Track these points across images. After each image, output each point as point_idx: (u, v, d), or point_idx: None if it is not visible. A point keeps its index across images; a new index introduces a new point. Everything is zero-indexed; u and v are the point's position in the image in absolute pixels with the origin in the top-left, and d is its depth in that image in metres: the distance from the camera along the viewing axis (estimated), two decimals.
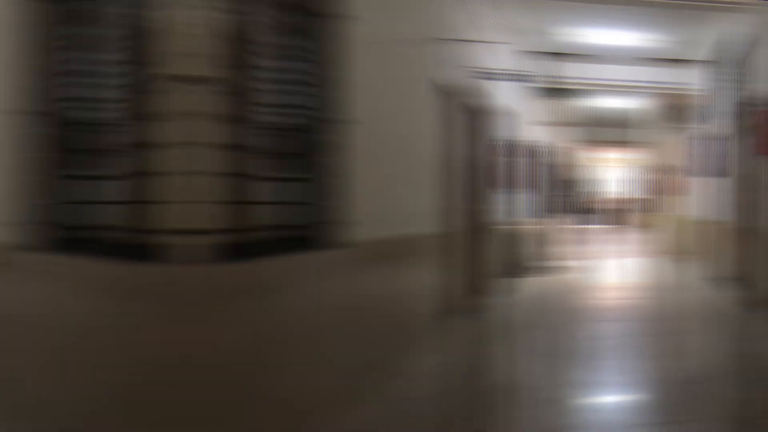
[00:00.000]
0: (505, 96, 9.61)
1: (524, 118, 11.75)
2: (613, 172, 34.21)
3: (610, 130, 21.72)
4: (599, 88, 12.12)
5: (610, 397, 4.26)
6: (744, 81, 7.75)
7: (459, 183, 7.10)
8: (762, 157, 5.65)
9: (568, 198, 23.29)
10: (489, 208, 8.56)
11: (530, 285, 8.98)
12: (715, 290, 8.47)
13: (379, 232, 4.05)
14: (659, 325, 6.51)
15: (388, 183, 4.43)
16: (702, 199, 11.03)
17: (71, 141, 2.95)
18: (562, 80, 12.22)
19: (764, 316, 6.45)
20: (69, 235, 2.96)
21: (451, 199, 6.87)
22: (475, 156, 8.13)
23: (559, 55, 12.00)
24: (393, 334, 4.46)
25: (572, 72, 12.16)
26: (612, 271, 11.56)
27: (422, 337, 5.20)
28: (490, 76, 7.63)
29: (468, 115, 7.60)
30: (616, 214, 30.40)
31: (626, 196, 31.31)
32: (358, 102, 3.61)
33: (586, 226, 28.01)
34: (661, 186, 13.84)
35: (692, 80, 11.56)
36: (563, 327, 6.17)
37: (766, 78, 6.61)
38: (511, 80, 9.52)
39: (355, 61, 3.56)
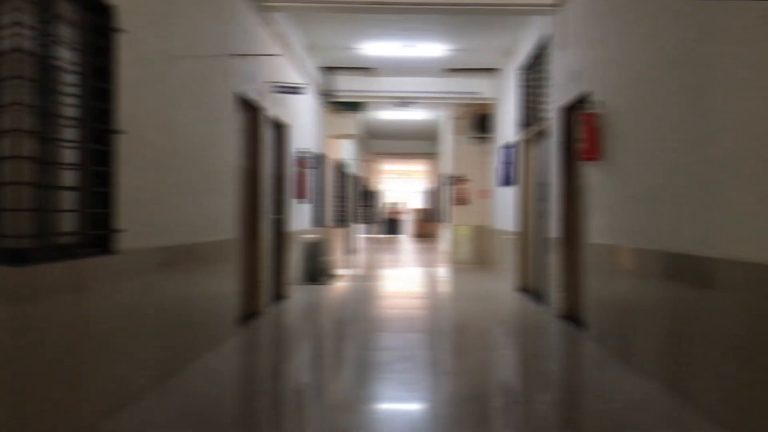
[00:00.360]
0: (303, 110, 9.01)
1: (322, 132, 11.21)
2: (410, 184, 35.34)
3: (407, 143, 22.05)
4: (396, 101, 11.88)
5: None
6: (545, 86, 7.74)
7: (261, 193, 6.93)
8: (585, 163, 5.41)
9: (368, 209, 23.45)
10: (291, 217, 7.97)
11: (330, 292, 8.40)
12: (505, 300, 8.40)
13: (163, 239, 4.16)
14: (441, 337, 6.11)
15: (176, 192, 4.43)
16: (497, 209, 11.15)
17: None
18: (358, 94, 11.84)
19: (553, 327, 6.34)
20: None
21: (252, 208, 6.80)
22: (278, 167, 7.83)
23: (356, 69, 11.63)
24: (184, 338, 4.56)
25: (368, 85, 11.82)
26: (406, 280, 11.37)
27: (215, 341, 5.20)
28: (289, 89, 7.15)
29: (268, 127, 7.07)
30: (414, 225, 31.36)
31: (424, 206, 32.47)
32: (136, 113, 3.72)
33: (386, 236, 28.70)
34: (458, 196, 14.05)
35: (489, 89, 11.74)
36: (353, 336, 5.56)
37: (564, 81, 6.55)
38: (308, 94, 9.07)
39: (130, 73, 3.64)
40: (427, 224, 30.53)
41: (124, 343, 3.67)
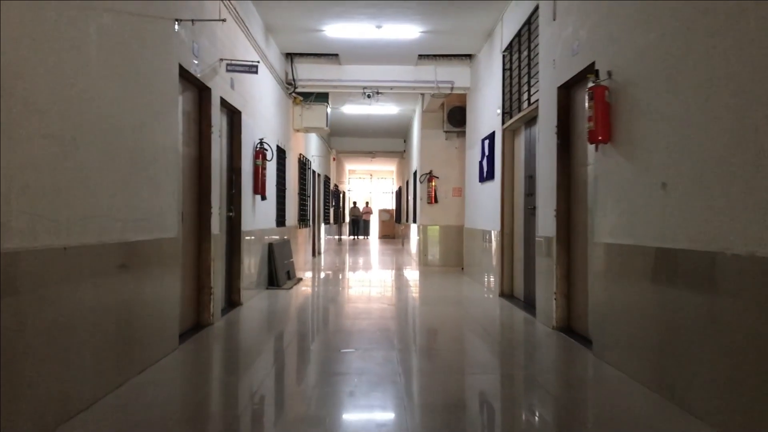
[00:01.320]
0: (263, 96, 8.05)
1: (285, 124, 10.24)
2: (378, 184, 34.44)
3: (375, 140, 21.12)
4: (365, 91, 10.97)
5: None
6: (532, 67, 6.89)
7: (211, 186, 6.00)
8: (591, 148, 4.55)
9: (334, 208, 22.44)
10: (248, 214, 7.02)
11: (292, 297, 7.44)
12: (487, 307, 7.54)
13: (71, 237, 3.26)
14: (417, 356, 5.23)
15: (94, 179, 3.53)
16: (474, 207, 10.31)
17: None
18: (323, 83, 10.88)
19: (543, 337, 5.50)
20: None
21: (199, 203, 5.89)
22: (232, 158, 7.20)
23: (320, 56, 10.68)
24: (103, 362, 3.68)
25: (334, 74, 10.87)
26: (374, 283, 10.47)
27: (148, 360, 4.29)
28: (243, 67, 6.21)
29: (222, 111, 6.15)
30: (382, 225, 30.43)
31: (391, 207, 31.58)
32: (21, 70, 2.83)
33: (353, 237, 27.71)
34: (428, 195, 13.20)
35: (464, 78, 10.89)
36: (312, 355, 4.62)
37: (558, 56, 5.71)
38: (259, 73, 8.14)
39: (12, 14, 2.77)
40: (395, 225, 29.66)
41: (10, 377, 2.68)
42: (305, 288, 9.27)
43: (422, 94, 13.07)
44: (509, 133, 8.16)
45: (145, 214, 4.24)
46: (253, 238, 7.86)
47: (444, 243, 13.25)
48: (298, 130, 11.76)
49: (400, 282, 10.72)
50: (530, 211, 7.22)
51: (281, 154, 10.18)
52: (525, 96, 7.24)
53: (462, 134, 12.96)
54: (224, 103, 6.56)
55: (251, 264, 7.81)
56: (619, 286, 4.32)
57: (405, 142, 20.55)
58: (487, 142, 9.05)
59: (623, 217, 4.27)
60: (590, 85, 4.60)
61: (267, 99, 8.86)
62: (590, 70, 4.84)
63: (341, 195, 28.06)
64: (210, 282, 5.87)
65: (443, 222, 13.25)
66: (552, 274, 5.82)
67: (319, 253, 16.64)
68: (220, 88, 6.22)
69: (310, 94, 11.38)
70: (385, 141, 21.22)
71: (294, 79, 10.73)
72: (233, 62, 6.19)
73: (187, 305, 5.56)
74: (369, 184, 34.86)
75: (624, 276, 4.23)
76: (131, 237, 3.99)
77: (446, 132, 13.05)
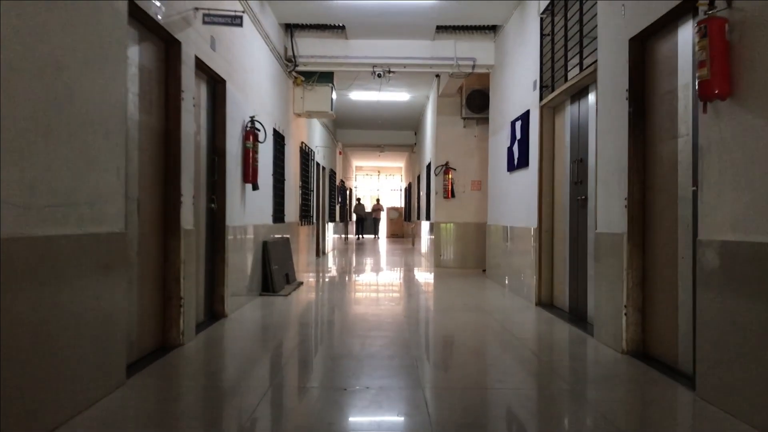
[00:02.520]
0: (256, 68, 6.78)
1: (284, 106, 8.94)
2: (387, 181, 33.14)
3: (384, 133, 19.79)
4: (375, 69, 9.64)
5: None
6: (583, 26, 5.56)
7: (182, 168, 4.68)
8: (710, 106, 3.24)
9: (341, 205, 21.11)
10: (238, 207, 5.77)
11: (290, 305, 6.15)
12: (525, 320, 6.23)
13: None
14: (448, 398, 3.93)
15: None
16: (499, 201, 8.98)
17: None
18: (328, 61, 9.59)
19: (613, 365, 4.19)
20: None
21: (165, 189, 4.55)
22: (214, 137, 5.94)
23: (324, 28, 9.40)
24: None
25: (340, 50, 9.57)
26: (385, 288, 9.18)
27: (80, 404, 3.07)
28: (223, 19, 4.94)
29: (198, 78, 4.89)
30: (391, 223, 29.10)
31: (401, 204, 30.26)
32: None
33: (361, 235, 26.37)
34: (446, 189, 11.88)
35: (488, 54, 9.56)
36: (312, 396, 3.34)
37: (628, 3, 4.39)
38: (253, 43, 6.83)
39: None
40: (404, 223, 28.30)
41: None
42: (306, 294, 7.95)
43: (437, 76, 11.74)
44: (548, 111, 6.83)
45: (68, 197, 2.94)
46: (243, 235, 6.57)
47: (461, 242, 11.92)
48: (299, 115, 10.44)
49: (414, 286, 9.39)
50: (580, 203, 5.90)
51: (279, 139, 8.88)
52: (573, 62, 5.92)
53: (482, 121, 11.63)
54: (203, 66, 5.26)
55: (241, 266, 6.51)
56: (744, 301, 2.99)
57: (416, 134, 19.22)
58: (518, 124, 7.72)
59: (754, 204, 2.94)
60: (701, 17, 3.27)
61: (261, 73, 7.56)
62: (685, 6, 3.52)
63: (348, 191, 26.75)
64: (179, 291, 4.56)
65: (460, 219, 11.92)
66: (620, 282, 4.48)
67: (324, 253, 15.35)
68: (194, 44, 4.92)
69: (313, 73, 10.08)
70: (394, 134, 19.88)
71: (294, 56, 9.43)
72: (211, 12, 4.88)
73: (147, 322, 4.26)
74: (377, 182, 33.55)
75: (755, 287, 2.91)
76: (39, 231, 2.70)
77: (464, 119, 11.72)
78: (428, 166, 13.89)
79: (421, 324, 6.11)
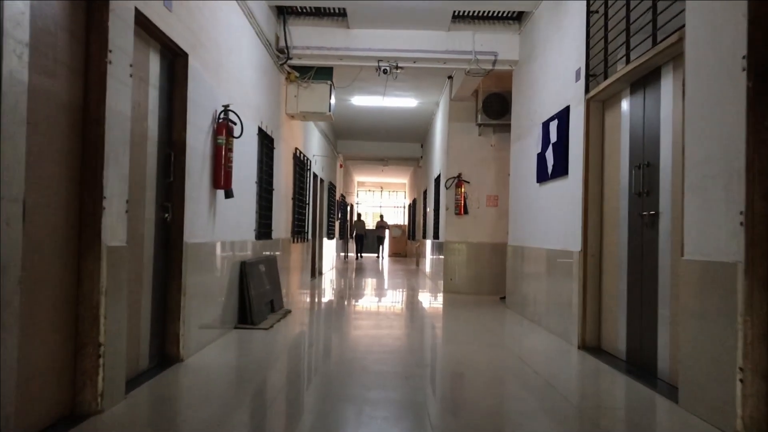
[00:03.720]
0: (235, 50, 5.46)
1: (273, 103, 7.63)
2: (389, 198, 31.80)
3: (388, 145, 18.45)
4: (380, 64, 8.32)
5: None
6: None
7: (102, 158, 3.32)
8: None
9: (337, 221, 19.69)
10: (202, 219, 4.40)
11: (272, 343, 4.79)
12: (568, 372, 4.87)
13: None
14: None
15: None
16: (524, 218, 7.62)
17: None
18: (325, 53, 8.31)
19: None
20: None
21: (79, 190, 3.20)
22: (170, 126, 4.60)
23: (321, 15, 8.16)
24: None
25: (340, 41, 8.29)
26: (390, 320, 7.83)
27: None
28: None
29: (144, 44, 3.57)
30: (394, 242, 27.70)
31: (404, 222, 28.87)
32: None
33: (361, 254, 24.87)
34: (459, 204, 10.54)
35: (512, 48, 8.26)
36: None
37: None
38: (231, 17, 5.56)
39: None
40: (407, 242, 26.87)
41: None
42: (293, 326, 6.56)
43: (450, 77, 10.45)
44: (596, 105, 5.49)
45: None
46: (211, 254, 5.20)
47: (475, 264, 10.54)
48: (292, 116, 9.12)
49: (424, 318, 7.99)
50: (645, 220, 4.53)
51: (267, 141, 7.56)
52: (637, 38, 4.59)
53: (500, 129, 10.31)
54: (152, 29, 3.94)
55: (207, 293, 5.14)
56: None
57: (422, 147, 17.91)
58: (553, 124, 6.38)
59: None
60: None
61: (242, 56, 6.24)
62: None
63: (349, 207, 25.37)
64: (97, 334, 3.18)
65: (474, 238, 10.55)
66: (730, 332, 3.11)
67: (321, 273, 13.97)
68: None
69: (309, 68, 8.77)
70: (399, 146, 18.54)
71: (287, 46, 8.13)
72: None
73: (40, 383, 2.88)
74: (379, 198, 32.20)
75: None
76: None
77: (480, 125, 10.38)
78: (437, 179, 12.54)
79: (440, 376, 4.70)
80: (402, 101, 12.62)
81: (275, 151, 7.98)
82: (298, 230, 10.43)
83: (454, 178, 10.62)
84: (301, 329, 6.52)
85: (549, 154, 6.47)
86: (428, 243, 14.71)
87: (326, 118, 9.54)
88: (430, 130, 14.87)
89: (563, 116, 6.06)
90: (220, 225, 5.45)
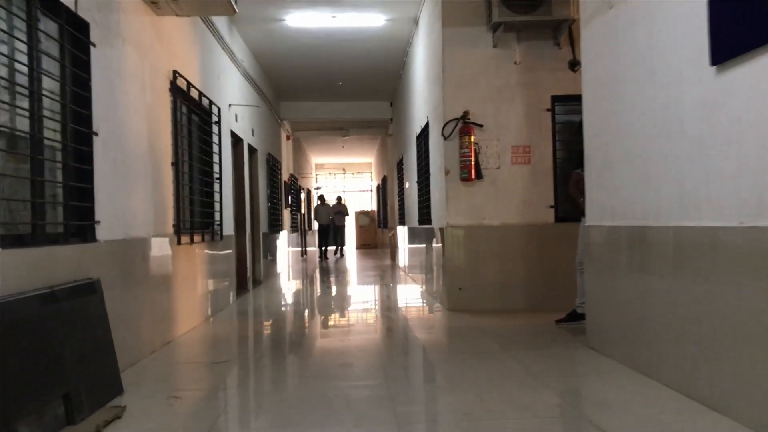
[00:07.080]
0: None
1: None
2: (352, 181, 27.44)
3: (346, 105, 14.03)
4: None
5: None
6: None
7: None
8: None
9: (288, 209, 14.93)
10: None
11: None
12: None
13: None
14: None
15: None
16: (659, 165, 3.38)
17: None
18: None
19: None
20: None
21: None
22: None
23: None
24: None
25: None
26: (368, 353, 3.76)
27: None
28: None
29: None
30: (359, 232, 23.37)
31: (370, 209, 24.56)
32: None
33: (319, 249, 20.09)
34: (467, 165, 6.36)
35: None
36: None
37: None
38: None
39: None
40: (377, 231, 22.50)
41: None
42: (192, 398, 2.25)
43: None
44: None
45: None
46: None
47: (499, 261, 6.34)
48: (155, 2, 4.73)
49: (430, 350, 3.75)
50: None
51: (82, 33, 3.18)
52: None
53: (529, 32, 6.15)
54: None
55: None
56: None
57: (392, 106, 13.58)
58: None
59: None
60: None
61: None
62: None
63: (307, 193, 20.87)
64: None
65: (494, 218, 6.36)
66: None
67: (258, 283, 9.60)
68: None
69: None
70: (362, 106, 14.05)
71: None
72: None
73: None
74: (342, 181, 27.82)
75: None
76: None
77: (496, 25, 6.15)
78: (422, 134, 8.23)
79: None
80: (362, 18, 8.27)
81: (115, 65, 3.65)
82: (201, 221, 6.12)
83: (457, 120, 6.37)
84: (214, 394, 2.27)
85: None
86: (404, 231, 10.50)
87: (226, 9, 5.15)
88: (405, 76, 10.56)
89: None
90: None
